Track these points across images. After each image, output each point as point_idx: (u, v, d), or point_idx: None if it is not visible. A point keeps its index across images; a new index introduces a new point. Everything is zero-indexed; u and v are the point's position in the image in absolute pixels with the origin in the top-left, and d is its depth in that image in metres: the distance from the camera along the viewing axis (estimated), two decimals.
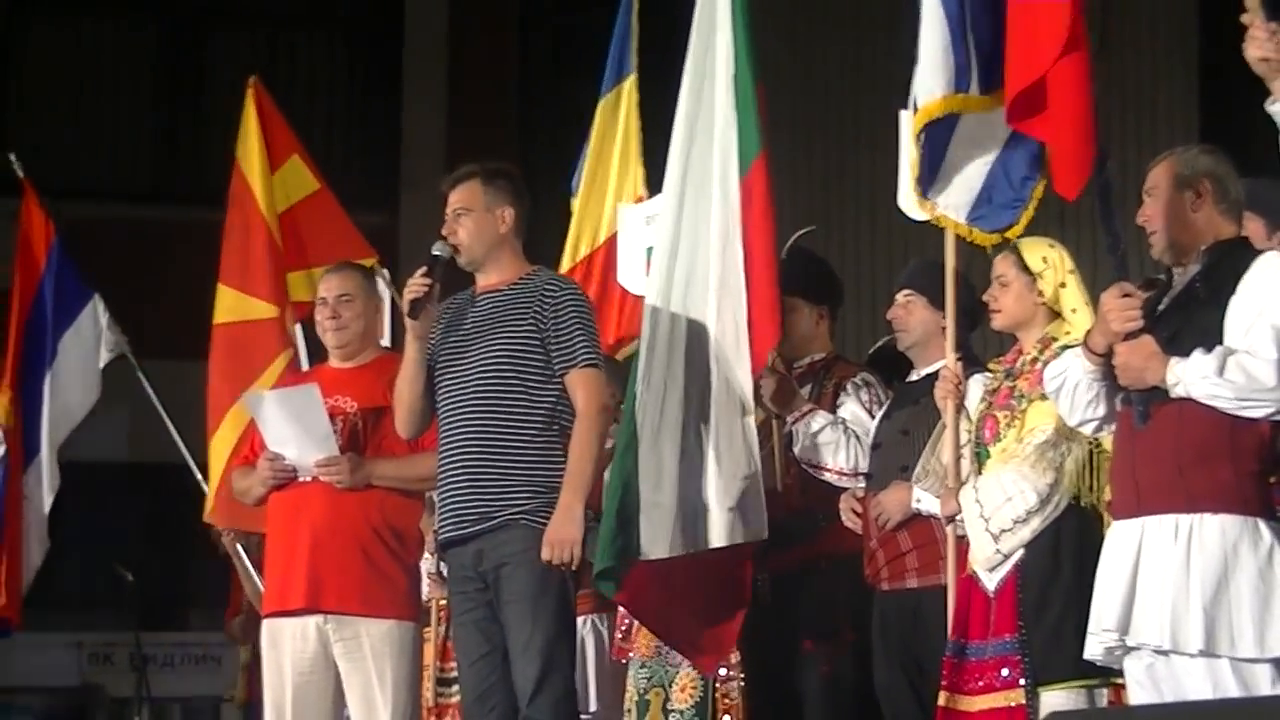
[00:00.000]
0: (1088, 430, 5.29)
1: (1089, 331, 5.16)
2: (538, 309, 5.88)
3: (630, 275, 7.13)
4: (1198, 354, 4.84)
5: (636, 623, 6.70)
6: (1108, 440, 5.38)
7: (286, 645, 6.41)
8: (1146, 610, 4.88)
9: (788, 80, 10.03)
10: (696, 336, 6.10)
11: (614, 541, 5.87)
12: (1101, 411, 5.15)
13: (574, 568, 5.72)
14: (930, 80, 5.85)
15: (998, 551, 5.65)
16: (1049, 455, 5.62)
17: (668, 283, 6.15)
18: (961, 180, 5.98)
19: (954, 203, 6.00)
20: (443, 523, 5.99)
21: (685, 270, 6.15)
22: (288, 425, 6.37)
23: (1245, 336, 4.83)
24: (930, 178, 5.94)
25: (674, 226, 6.22)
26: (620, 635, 6.93)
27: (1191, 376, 4.83)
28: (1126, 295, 4.94)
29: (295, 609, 6.35)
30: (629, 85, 7.94)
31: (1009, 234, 5.93)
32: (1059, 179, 5.11)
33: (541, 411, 5.84)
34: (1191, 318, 4.95)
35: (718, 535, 5.98)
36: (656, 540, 5.94)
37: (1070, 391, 5.18)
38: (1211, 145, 5.29)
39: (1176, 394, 4.86)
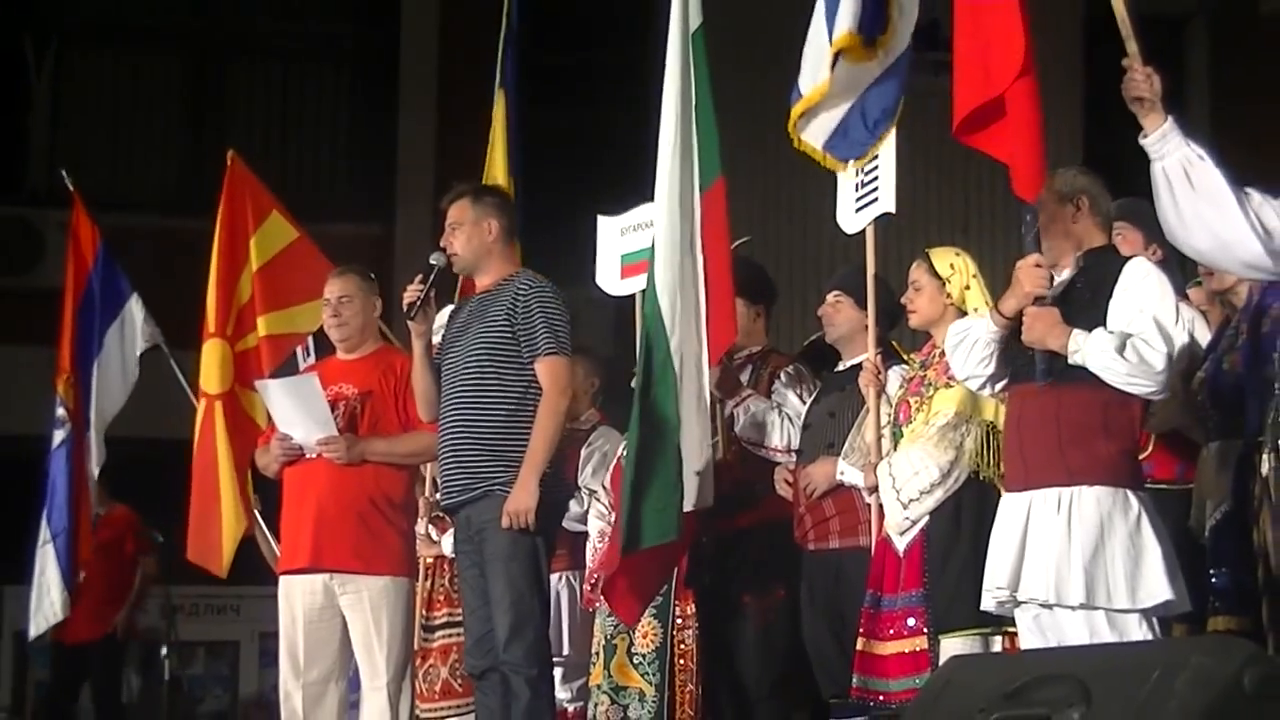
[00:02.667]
0: (974, 385, 5.29)
1: (1001, 297, 5.19)
2: (510, 305, 5.89)
3: (607, 279, 7.12)
4: (1100, 332, 4.89)
5: (603, 575, 6.73)
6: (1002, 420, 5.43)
7: (298, 599, 6.44)
8: (1034, 570, 4.92)
9: (734, 113, 10.07)
10: (680, 333, 6.11)
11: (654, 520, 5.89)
12: (990, 370, 5.17)
13: (531, 530, 5.72)
14: (842, 21, 5.99)
15: (906, 518, 5.69)
16: (950, 436, 5.67)
17: (661, 283, 6.13)
18: (826, 116, 6.15)
19: (814, 133, 6.17)
20: (441, 493, 6.04)
21: (673, 274, 6.16)
22: (293, 410, 6.41)
23: (1129, 328, 4.89)
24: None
25: (661, 235, 6.21)
26: (589, 587, 6.93)
27: (1092, 349, 4.87)
28: (1038, 265, 4.99)
29: (304, 566, 6.39)
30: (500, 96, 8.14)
31: (857, 162, 6.10)
32: (1021, 185, 5.09)
33: (514, 396, 5.84)
34: (1073, 315, 4.99)
35: (689, 500, 6.01)
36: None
37: (968, 347, 5.18)
38: (1087, 167, 5.33)
39: (1074, 360, 4.90)
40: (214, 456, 7.60)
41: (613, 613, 6.36)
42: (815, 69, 6.08)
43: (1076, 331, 4.90)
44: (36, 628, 8.86)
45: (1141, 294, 4.94)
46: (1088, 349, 4.88)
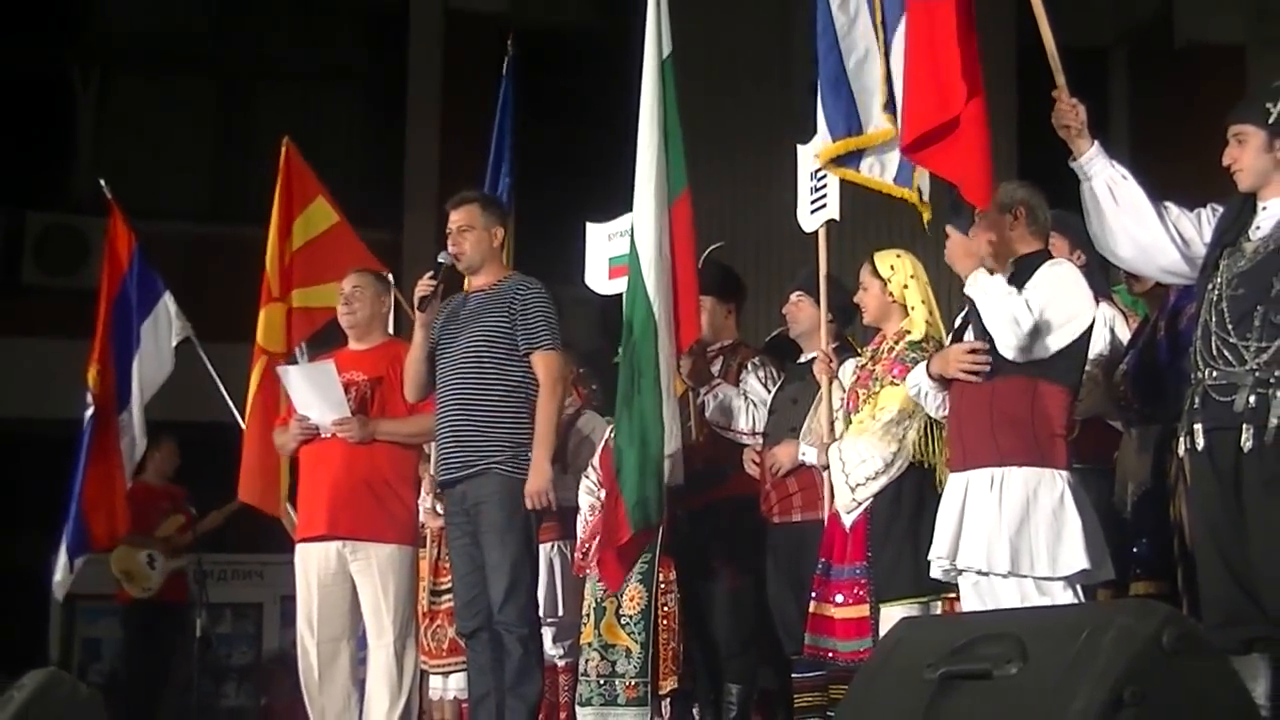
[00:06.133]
0: (940, 414, 5.33)
1: (932, 358, 5.23)
2: (510, 303, 5.90)
3: (596, 279, 7.10)
4: (1000, 279, 4.92)
5: (594, 544, 6.72)
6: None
7: (314, 564, 6.41)
8: (969, 542, 4.92)
9: (708, 131, 10.05)
10: (661, 329, 6.08)
11: (655, 501, 5.88)
12: (946, 411, 5.22)
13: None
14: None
15: (854, 499, 5.69)
16: (894, 430, 5.66)
17: (652, 287, 6.09)
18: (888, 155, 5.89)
19: (874, 168, 5.92)
20: (438, 469, 6.03)
21: (648, 276, 6.12)
22: (311, 393, 6.39)
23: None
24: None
25: (646, 243, 6.17)
26: (580, 555, 6.92)
27: (983, 285, 4.91)
28: (973, 351, 4.99)
29: (319, 535, 6.36)
30: None
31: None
32: (974, 195, 5.05)
33: (511, 383, 5.85)
34: None
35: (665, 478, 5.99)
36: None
37: (925, 396, 5.26)
38: (1028, 180, 5.33)
39: (968, 290, 4.97)
40: (274, 407, 7.41)
41: (602, 579, 6.35)
42: (871, 114, 5.84)
43: (981, 270, 4.93)
44: (58, 591, 8.86)
45: (1043, 280, 4.96)
46: (982, 282, 4.92)
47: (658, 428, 5.91)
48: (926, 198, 5.85)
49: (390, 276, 7.70)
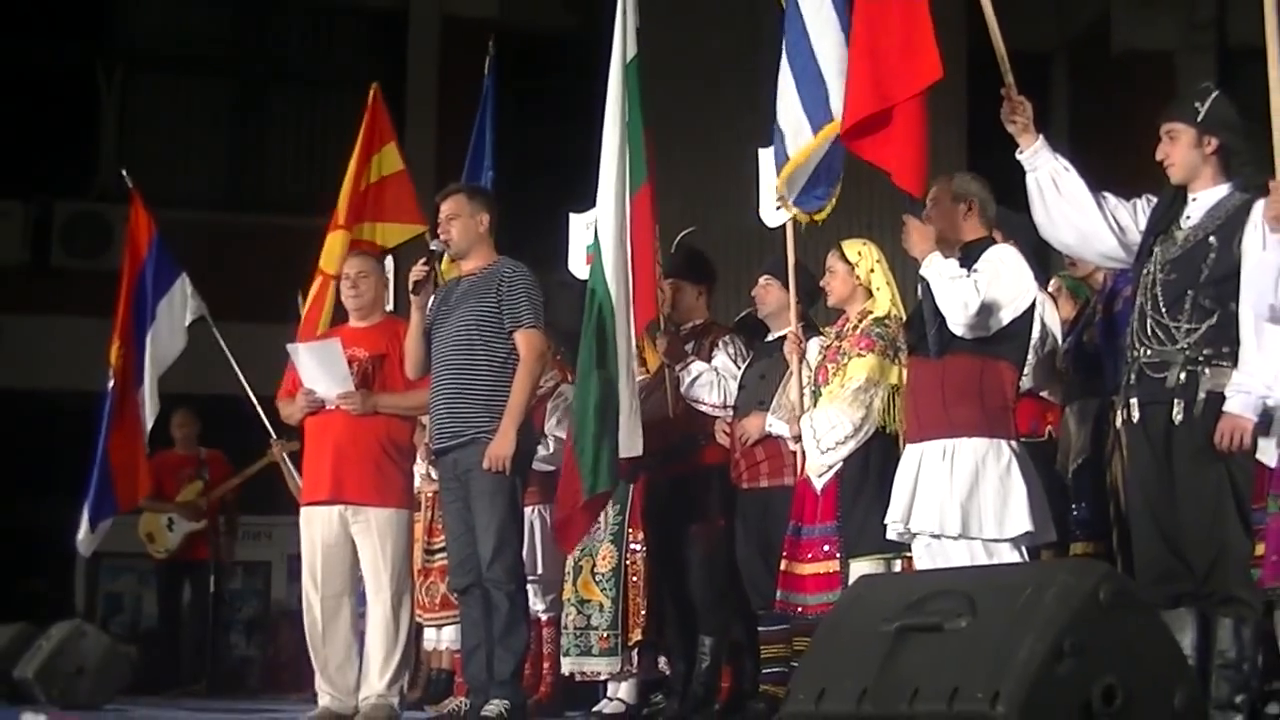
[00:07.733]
0: None
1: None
2: (498, 286, 5.86)
3: (576, 265, 7.07)
4: (953, 261, 4.91)
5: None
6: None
7: (318, 526, 6.35)
8: (923, 507, 4.92)
9: (684, 126, 10.01)
10: (617, 311, 6.04)
11: (606, 468, 5.81)
12: None
13: (506, 473, 5.69)
14: (798, 132, 5.75)
15: (824, 463, 5.68)
16: (861, 397, 5.66)
17: (610, 273, 6.04)
18: (796, 177, 5.85)
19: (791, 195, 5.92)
20: (433, 438, 6.00)
21: (607, 262, 6.08)
22: (317, 368, 6.33)
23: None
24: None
25: (607, 231, 6.12)
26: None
27: (937, 267, 4.89)
28: None
29: (323, 499, 6.31)
30: None
31: (817, 216, 5.84)
32: (910, 183, 4.99)
33: (498, 360, 5.81)
34: None
35: (621, 450, 5.95)
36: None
37: None
38: (978, 175, 5.31)
39: (922, 271, 4.94)
40: (317, 322, 7.35)
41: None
42: (796, 134, 5.76)
43: (935, 254, 4.91)
44: (81, 548, 8.85)
45: (988, 262, 4.95)
46: (935, 264, 4.90)
47: (612, 400, 5.86)
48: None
49: (391, 259, 7.68)
